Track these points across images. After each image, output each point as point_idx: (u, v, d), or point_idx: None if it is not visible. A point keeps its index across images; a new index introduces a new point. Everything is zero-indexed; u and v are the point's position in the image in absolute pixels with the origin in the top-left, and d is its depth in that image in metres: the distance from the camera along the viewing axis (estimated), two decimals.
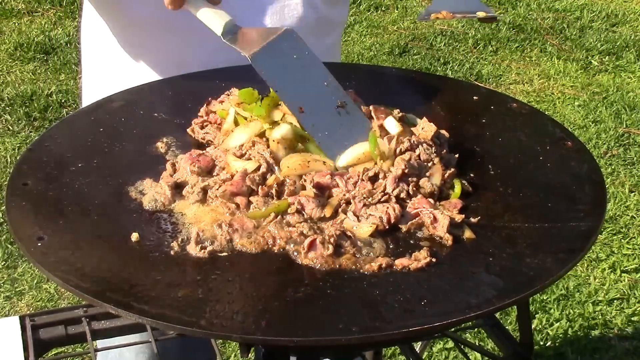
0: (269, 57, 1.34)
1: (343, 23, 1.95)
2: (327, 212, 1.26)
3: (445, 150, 1.41)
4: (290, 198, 1.27)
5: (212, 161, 1.38)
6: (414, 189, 1.30)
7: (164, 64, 1.74)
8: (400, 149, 1.35)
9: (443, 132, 1.45)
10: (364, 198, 1.26)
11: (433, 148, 1.37)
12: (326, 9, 1.78)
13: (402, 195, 1.29)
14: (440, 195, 1.32)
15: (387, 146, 1.35)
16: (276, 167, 1.33)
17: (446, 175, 1.33)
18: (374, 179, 1.31)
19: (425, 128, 1.42)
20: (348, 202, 1.27)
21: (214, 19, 1.38)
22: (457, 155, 1.41)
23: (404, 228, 1.24)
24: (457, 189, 1.33)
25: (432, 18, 1.67)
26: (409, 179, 1.31)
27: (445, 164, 1.37)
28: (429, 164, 1.34)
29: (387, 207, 1.24)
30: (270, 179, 1.31)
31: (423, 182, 1.31)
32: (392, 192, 1.28)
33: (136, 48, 1.76)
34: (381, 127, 1.41)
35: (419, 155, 1.35)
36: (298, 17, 1.73)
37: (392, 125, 1.40)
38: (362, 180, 1.30)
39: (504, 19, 5.57)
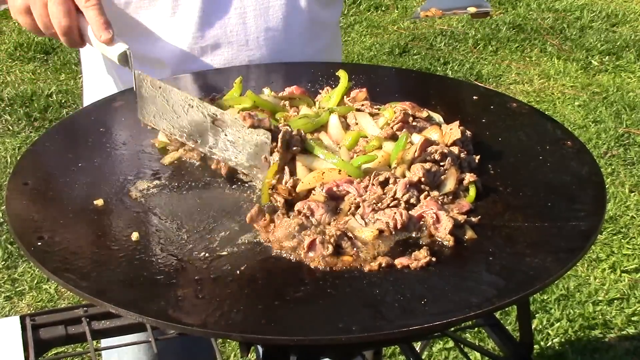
0: (148, 109, 1.41)
1: (335, 24, 1.92)
2: (341, 219, 1.25)
3: (467, 151, 1.41)
4: (299, 203, 1.27)
5: None
6: (426, 194, 1.30)
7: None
8: (425, 158, 1.35)
9: (467, 132, 1.45)
10: (373, 203, 1.26)
11: (457, 158, 1.37)
12: (316, 10, 1.76)
13: (412, 200, 1.28)
14: (453, 198, 1.31)
15: (412, 154, 1.34)
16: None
17: (465, 182, 1.33)
18: (384, 183, 1.30)
19: (453, 130, 1.42)
20: (357, 206, 1.27)
21: (110, 51, 1.41)
22: (477, 158, 1.41)
23: (413, 234, 1.24)
24: (472, 192, 1.32)
25: (421, 16, 1.65)
26: (422, 186, 1.30)
27: (464, 165, 1.37)
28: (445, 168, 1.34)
29: (395, 213, 1.23)
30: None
31: (434, 193, 1.30)
32: (401, 197, 1.28)
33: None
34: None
35: (441, 165, 1.34)
36: (283, 18, 1.71)
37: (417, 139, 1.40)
38: (373, 184, 1.30)
39: (503, 19, 5.57)
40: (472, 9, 1.64)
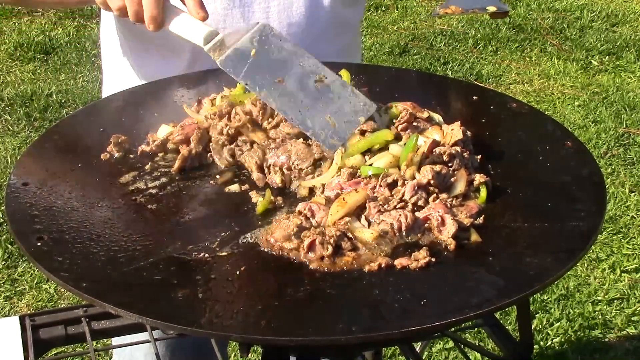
0: (238, 59, 1.37)
1: (357, 25, 1.94)
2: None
3: (468, 151, 1.40)
4: (301, 204, 1.27)
5: None
6: (435, 196, 1.29)
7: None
8: (434, 160, 1.34)
9: (468, 132, 1.45)
10: (380, 204, 1.25)
11: (464, 158, 1.36)
12: (339, 9, 1.77)
13: (420, 202, 1.27)
14: (463, 199, 1.30)
15: (421, 155, 1.34)
16: None
17: (476, 183, 1.32)
18: (392, 185, 1.30)
19: (454, 130, 1.41)
20: (363, 207, 1.26)
21: (194, 32, 1.40)
22: (479, 157, 1.40)
23: (419, 236, 1.23)
24: (483, 192, 1.31)
25: (440, 13, 1.65)
26: (431, 188, 1.29)
27: (467, 165, 1.36)
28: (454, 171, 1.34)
29: (400, 215, 1.23)
30: None
31: (443, 195, 1.30)
32: (409, 199, 1.27)
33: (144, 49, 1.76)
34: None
35: (450, 166, 1.33)
36: (306, 14, 1.72)
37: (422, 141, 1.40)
38: (380, 186, 1.29)
39: (503, 19, 5.57)
40: (491, 9, 1.64)
